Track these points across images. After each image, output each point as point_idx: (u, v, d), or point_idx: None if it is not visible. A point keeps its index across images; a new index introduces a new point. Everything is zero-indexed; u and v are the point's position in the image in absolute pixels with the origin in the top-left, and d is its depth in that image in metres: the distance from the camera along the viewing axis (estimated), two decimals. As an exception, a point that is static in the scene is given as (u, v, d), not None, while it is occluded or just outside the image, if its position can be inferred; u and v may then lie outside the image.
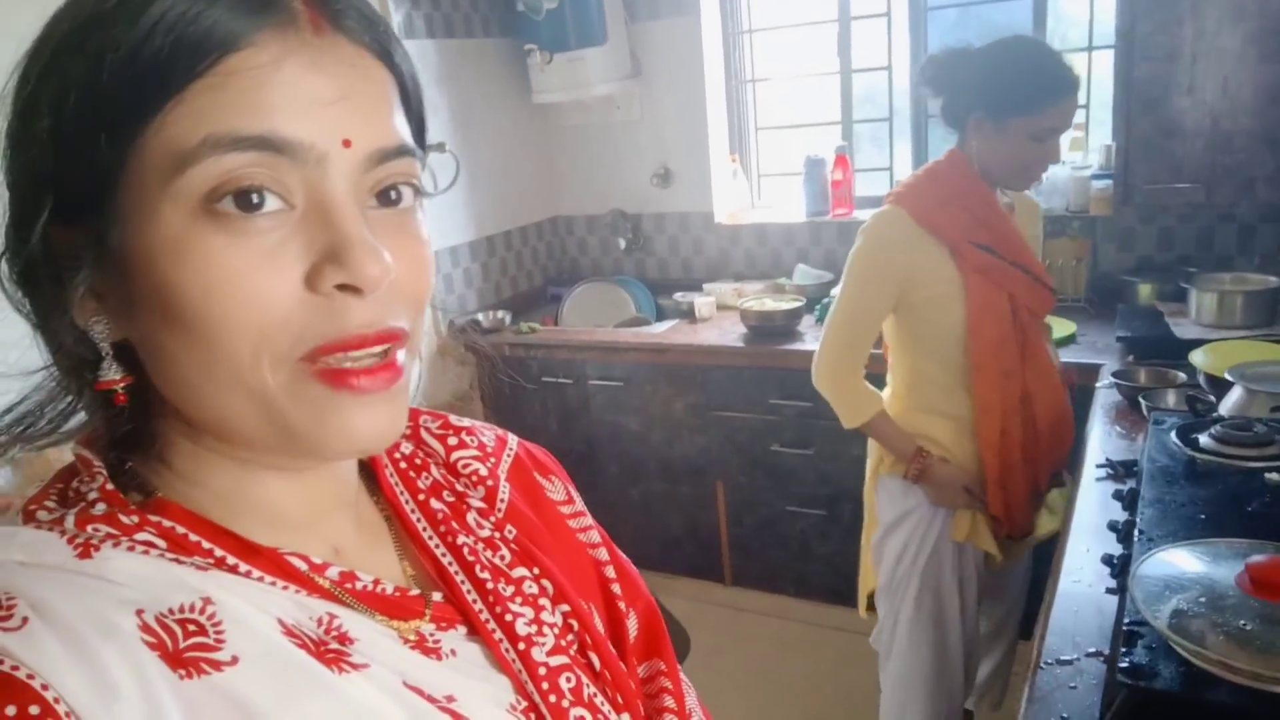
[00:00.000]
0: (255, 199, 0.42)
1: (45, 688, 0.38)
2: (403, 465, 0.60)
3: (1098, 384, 2.11)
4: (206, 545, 0.46)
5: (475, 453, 0.63)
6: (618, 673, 0.59)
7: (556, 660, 0.55)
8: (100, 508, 0.45)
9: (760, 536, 2.92)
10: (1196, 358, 1.92)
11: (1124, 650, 1.01)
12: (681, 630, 2.97)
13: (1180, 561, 1.09)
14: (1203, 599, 1.01)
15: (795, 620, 2.89)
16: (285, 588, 0.48)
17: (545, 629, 0.56)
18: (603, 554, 0.67)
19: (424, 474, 0.60)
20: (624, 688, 0.59)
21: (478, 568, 0.56)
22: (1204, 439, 1.47)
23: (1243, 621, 0.96)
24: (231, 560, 0.47)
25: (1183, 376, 1.96)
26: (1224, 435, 1.46)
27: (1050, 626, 1.26)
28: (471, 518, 0.59)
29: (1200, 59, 2.28)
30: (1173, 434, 1.51)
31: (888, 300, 1.77)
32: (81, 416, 0.50)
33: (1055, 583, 1.38)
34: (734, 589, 3.04)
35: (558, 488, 0.68)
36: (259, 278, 0.43)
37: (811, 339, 2.67)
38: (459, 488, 0.61)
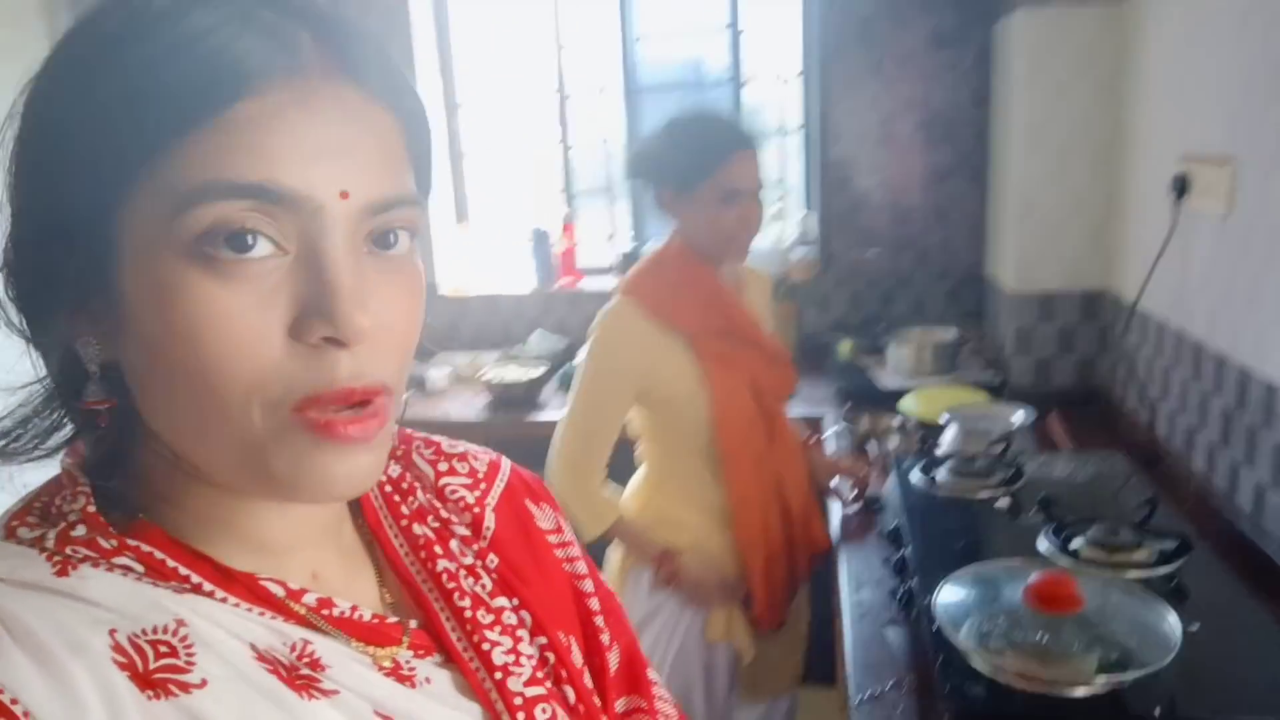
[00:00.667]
0: (250, 240, 0.42)
1: (14, 701, 0.39)
2: (388, 489, 0.59)
3: (823, 434, 2.30)
4: (183, 571, 0.46)
5: (465, 480, 0.63)
6: (591, 707, 0.59)
7: (533, 691, 0.55)
8: (81, 530, 0.46)
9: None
10: (907, 404, 2.17)
11: (941, 676, 1.09)
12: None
13: (964, 588, 1.21)
14: (998, 618, 1.12)
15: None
16: (261, 614, 0.48)
17: (523, 659, 0.56)
18: (588, 585, 0.67)
19: (410, 498, 0.60)
20: (592, 709, 0.59)
21: (457, 595, 0.56)
22: (942, 475, 1.66)
23: (1038, 634, 1.07)
24: (208, 586, 0.47)
25: (897, 421, 2.20)
26: (958, 469, 1.65)
27: (850, 665, 1.34)
28: (455, 544, 0.59)
29: (881, 144, 2.63)
30: (915, 473, 1.68)
31: (625, 399, 1.67)
32: (65, 434, 0.50)
33: (840, 621, 1.47)
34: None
35: (548, 515, 0.68)
36: (251, 322, 0.43)
37: (556, 406, 2.66)
38: (444, 514, 0.60)
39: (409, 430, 0.64)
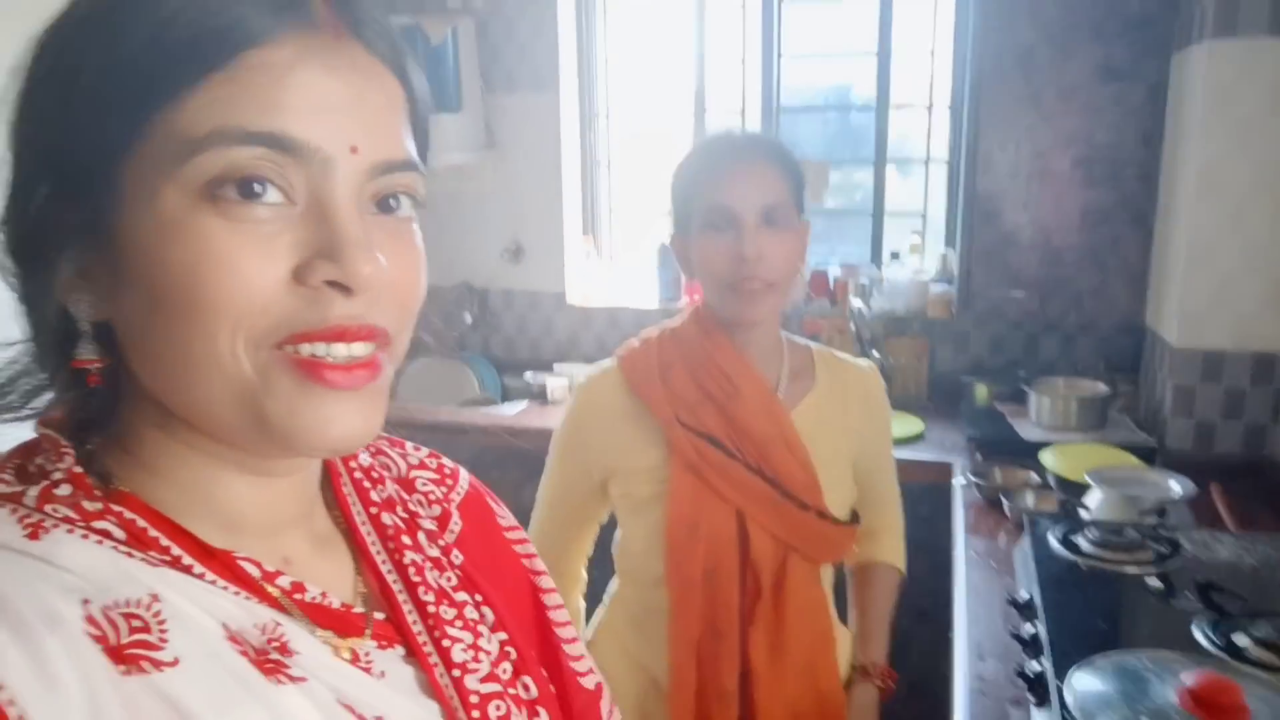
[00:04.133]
0: (257, 188, 0.43)
1: None
2: (358, 476, 0.59)
3: (953, 480, 2.17)
4: (164, 542, 0.46)
5: (433, 475, 0.64)
6: (549, 700, 0.59)
7: (489, 688, 0.56)
8: (65, 489, 0.45)
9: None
10: (1047, 459, 2.01)
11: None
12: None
13: (1105, 676, 1.08)
14: (1145, 719, 0.99)
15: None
16: (236, 593, 0.47)
17: (481, 655, 0.56)
18: (546, 581, 0.68)
19: (379, 486, 0.60)
20: (553, 709, 0.60)
21: (422, 589, 0.56)
22: (1084, 544, 1.51)
23: (1192, 745, 0.95)
24: (187, 560, 0.46)
25: (1035, 476, 2.04)
26: (1103, 540, 1.51)
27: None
28: (422, 536, 0.59)
29: (1035, 179, 2.47)
30: (1053, 538, 1.54)
31: (586, 487, 1.30)
32: (52, 396, 0.49)
33: (954, 692, 1.35)
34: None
35: (507, 514, 0.69)
36: (248, 262, 0.43)
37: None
38: (412, 506, 0.61)
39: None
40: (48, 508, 0.44)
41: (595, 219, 3.40)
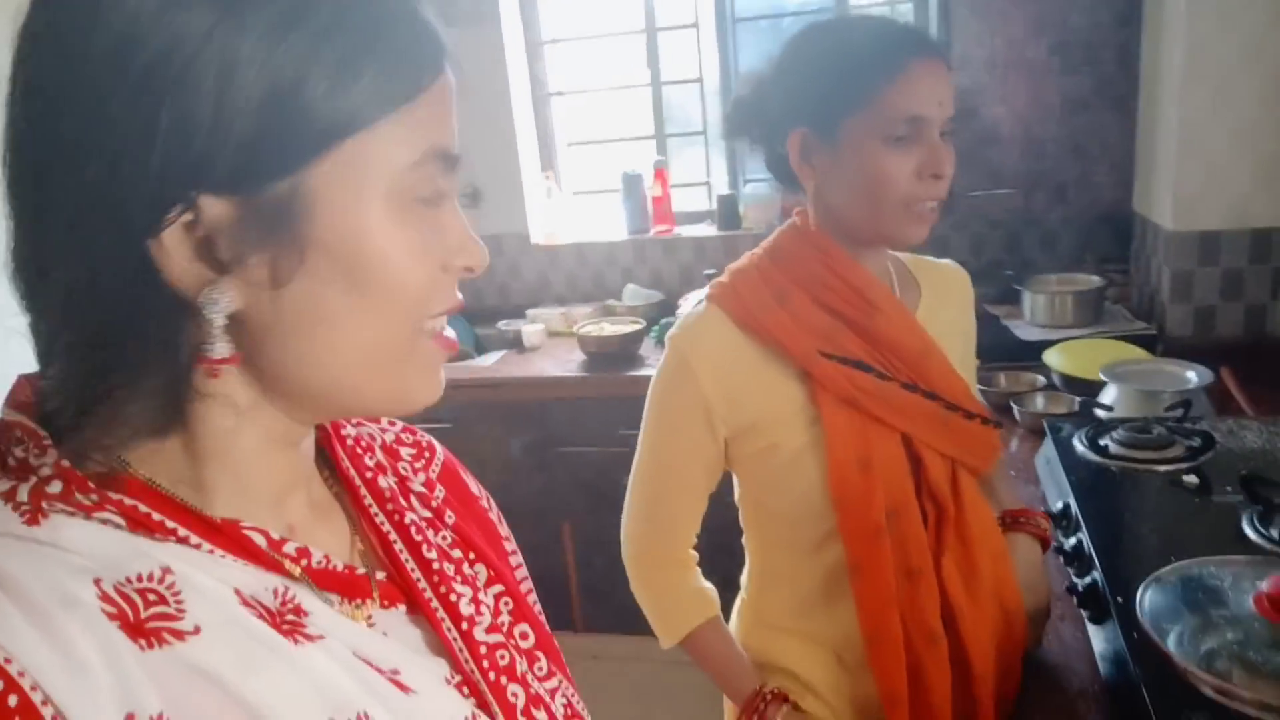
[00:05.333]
0: (438, 201, 0.50)
1: (9, 661, 0.38)
2: (349, 443, 0.61)
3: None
4: (170, 524, 0.46)
5: (412, 449, 0.67)
6: (544, 640, 0.62)
7: (493, 638, 0.57)
8: (56, 486, 0.44)
9: (613, 577, 2.72)
10: (1052, 359, 1.96)
11: (1149, 696, 0.93)
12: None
13: (1171, 590, 1.03)
14: (1222, 631, 0.94)
15: (658, 662, 2.73)
16: (245, 565, 0.48)
17: (482, 608, 0.58)
18: (510, 545, 0.71)
19: (370, 453, 0.61)
20: (555, 657, 0.63)
21: (425, 547, 0.58)
22: (1111, 445, 1.46)
23: (1275, 654, 0.90)
24: (194, 539, 0.47)
25: (1041, 378, 1.99)
26: (1130, 440, 1.46)
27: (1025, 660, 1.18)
28: (414, 499, 0.61)
29: (1011, 70, 2.37)
30: (1078, 441, 1.49)
31: (704, 454, 1.13)
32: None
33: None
34: (587, 636, 2.84)
35: (475, 483, 0.71)
36: (428, 260, 0.49)
37: (653, 363, 2.53)
38: (401, 470, 0.63)
39: None
40: (43, 504, 0.44)
41: (552, 153, 3.25)
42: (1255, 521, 1.19)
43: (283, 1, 0.43)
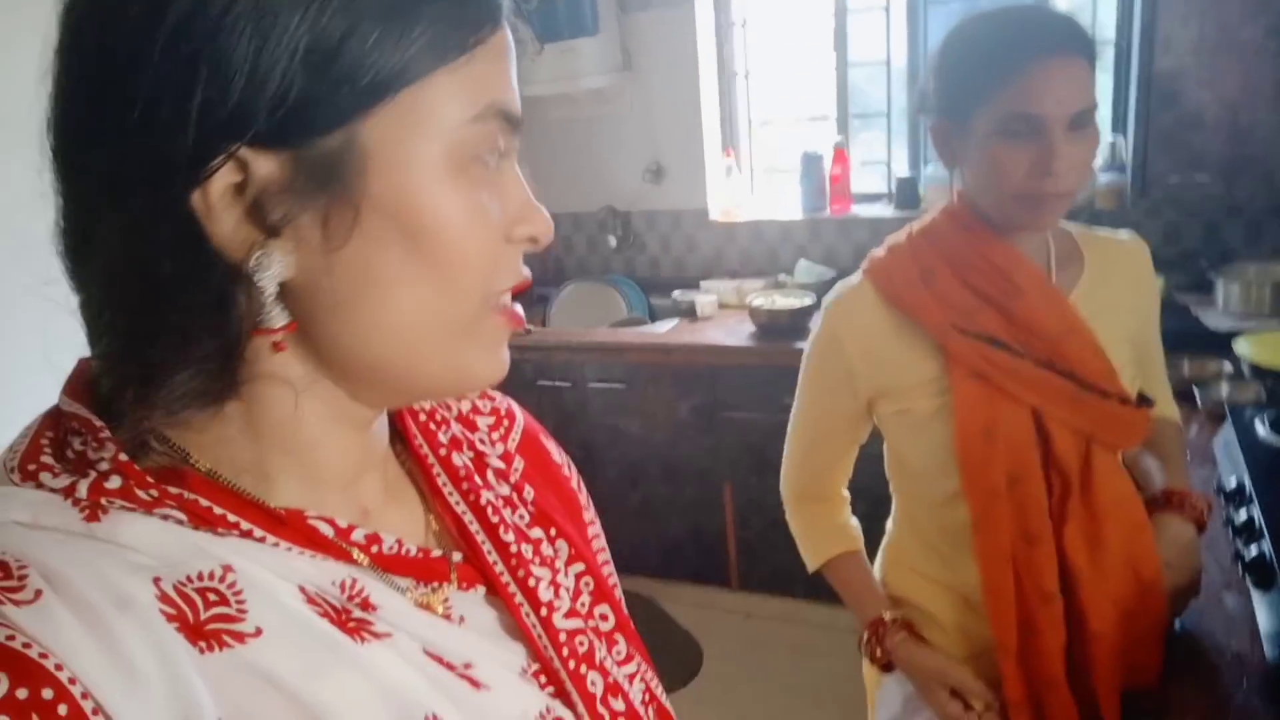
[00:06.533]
0: (501, 159, 0.47)
1: (59, 668, 0.36)
2: (423, 419, 0.59)
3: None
4: (232, 518, 0.45)
5: (490, 418, 0.65)
6: (627, 629, 0.60)
7: (572, 624, 0.56)
8: (115, 481, 0.42)
9: (769, 538, 2.84)
10: (1242, 348, 1.91)
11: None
12: (693, 643, 2.88)
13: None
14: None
15: (808, 624, 2.82)
16: (313, 556, 0.46)
17: (561, 591, 0.57)
18: (590, 514, 0.69)
19: (444, 428, 0.59)
20: (634, 639, 0.61)
21: (501, 529, 0.56)
22: (1295, 429, 1.44)
23: None
24: (258, 533, 0.45)
25: (1228, 366, 1.94)
26: (1316, 425, 1.43)
27: (1181, 631, 1.20)
28: (491, 475, 0.59)
29: (1221, 53, 2.28)
30: (1261, 425, 1.47)
31: (851, 407, 1.25)
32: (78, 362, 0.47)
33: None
34: (741, 594, 2.96)
35: (558, 451, 0.69)
36: (492, 225, 0.47)
37: (824, 336, 2.60)
38: (478, 445, 0.61)
39: None
40: (102, 500, 0.42)
41: (735, 132, 3.36)
42: None
43: None
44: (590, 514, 0.68)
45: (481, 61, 0.44)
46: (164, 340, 0.42)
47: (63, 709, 0.36)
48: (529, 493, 0.60)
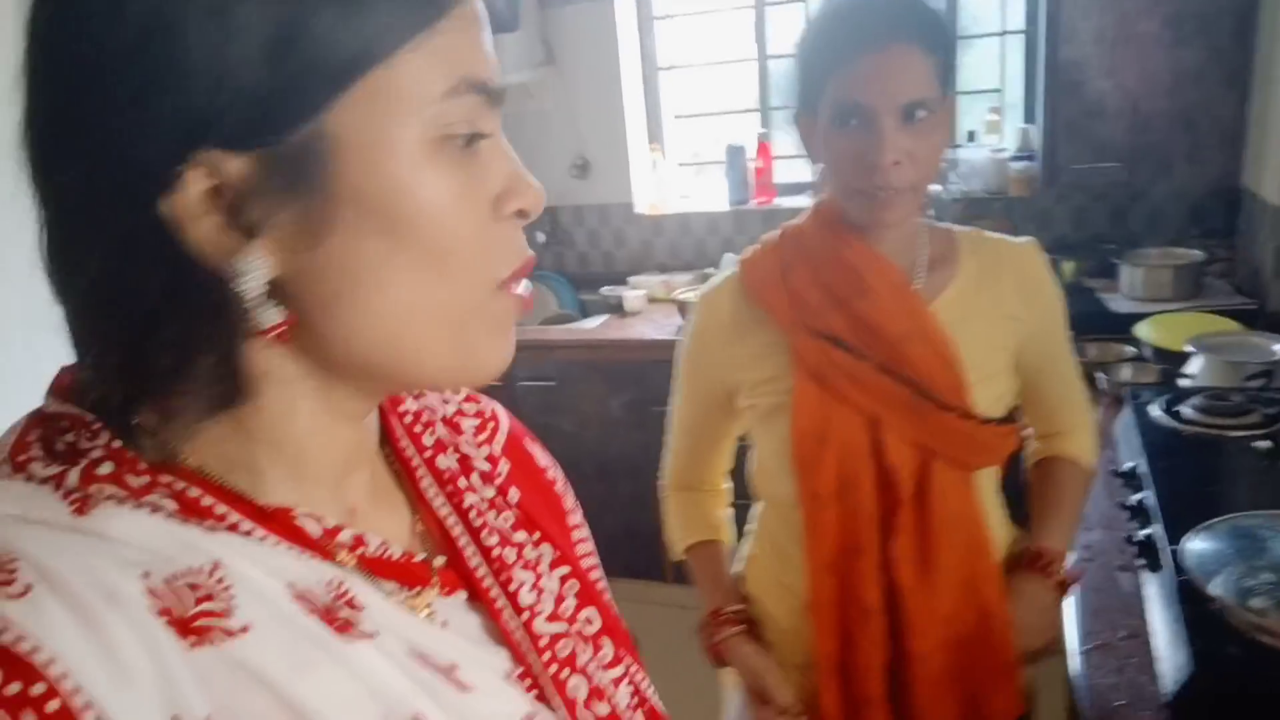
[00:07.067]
0: (481, 137, 0.45)
1: (50, 663, 0.36)
2: (409, 420, 0.58)
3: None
4: (221, 509, 0.44)
5: (475, 420, 0.63)
6: (610, 624, 0.59)
7: (555, 627, 0.55)
8: (107, 466, 0.42)
9: (704, 531, 2.87)
10: (1143, 330, 1.98)
11: (1188, 632, 1.00)
12: (631, 636, 2.90)
13: (1220, 539, 1.09)
14: (1263, 575, 1.01)
15: (744, 613, 2.85)
16: (300, 553, 0.46)
17: (545, 594, 0.56)
18: (576, 518, 0.67)
19: (430, 429, 0.58)
20: (623, 640, 0.60)
21: (485, 532, 0.55)
22: (1187, 411, 1.50)
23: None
24: (246, 526, 0.44)
25: (1131, 349, 2.01)
26: (1207, 406, 1.49)
27: (1075, 608, 1.25)
28: (476, 478, 0.58)
29: (1120, 44, 2.36)
30: (1156, 407, 1.53)
31: (717, 402, 1.22)
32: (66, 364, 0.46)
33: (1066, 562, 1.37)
34: (676, 587, 2.97)
35: (543, 453, 0.68)
36: (475, 206, 0.45)
37: (750, 328, 2.63)
38: (464, 448, 0.59)
39: None
40: (92, 488, 0.42)
41: (659, 126, 3.37)
42: (1320, 484, 1.23)
43: None
44: (577, 517, 0.67)
45: (450, 33, 0.43)
46: (158, 358, 0.42)
47: (54, 705, 0.35)
48: (514, 495, 0.59)
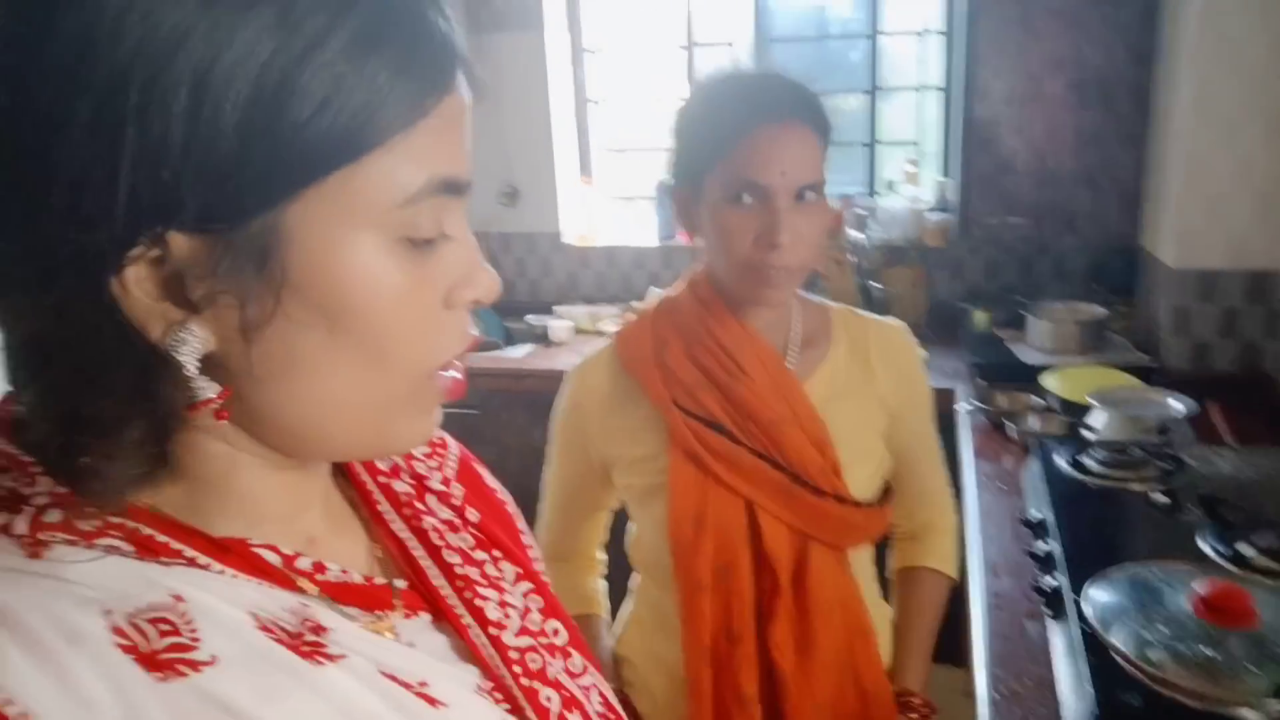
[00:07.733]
0: (443, 233, 0.45)
1: (9, 702, 0.36)
2: None
3: (956, 406, 2.22)
4: (175, 545, 0.44)
5: (425, 448, 0.64)
6: (575, 637, 0.61)
7: (522, 641, 0.56)
8: (54, 515, 0.41)
9: (624, 565, 2.86)
10: (1049, 382, 2.07)
11: (1092, 681, 1.04)
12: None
13: (1120, 588, 1.14)
14: (1160, 626, 1.06)
15: (659, 649, 2.85)
16: (259, 583, 0.46)
17: (510, 610, 0.56)
18: (528, 538, 0.69)
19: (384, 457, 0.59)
20: (587, 652, 0.61)
21: (445, 551, 0.56)
22: (1090, 463, 1.57)
23: (1205, 648, 1.01)
24: (202, 560, 0.44)
25: (1038, 399, 2.10)
26: (1108, 459, 1.57)
27: (983, 655, 1.29)
28: (432, 500, 0.59)
29: (1028, 103, 2.48)
30: (1060, 458, 1.60)
31: (589, 476, 1.21)
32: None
33: (971, 607, 1.42)
34: (594, 620, 2.96)
35: (490, 477, 0.69)
36: (429, 301, 0.45)
37: (674, 364, 2.65)
38: (418, 470, 0.61)
39: None
40: (42, 534, 0.41)
41: (589, 158, 3.39)
42: (1211, 538, 1.30)
43: (269, 5, 0.37)
44: (529, 538, 0.68)
45: (430, 132, 0.41)
46: (98, 412, 0.40)
47: None
48: (473, 515, 0.59)
